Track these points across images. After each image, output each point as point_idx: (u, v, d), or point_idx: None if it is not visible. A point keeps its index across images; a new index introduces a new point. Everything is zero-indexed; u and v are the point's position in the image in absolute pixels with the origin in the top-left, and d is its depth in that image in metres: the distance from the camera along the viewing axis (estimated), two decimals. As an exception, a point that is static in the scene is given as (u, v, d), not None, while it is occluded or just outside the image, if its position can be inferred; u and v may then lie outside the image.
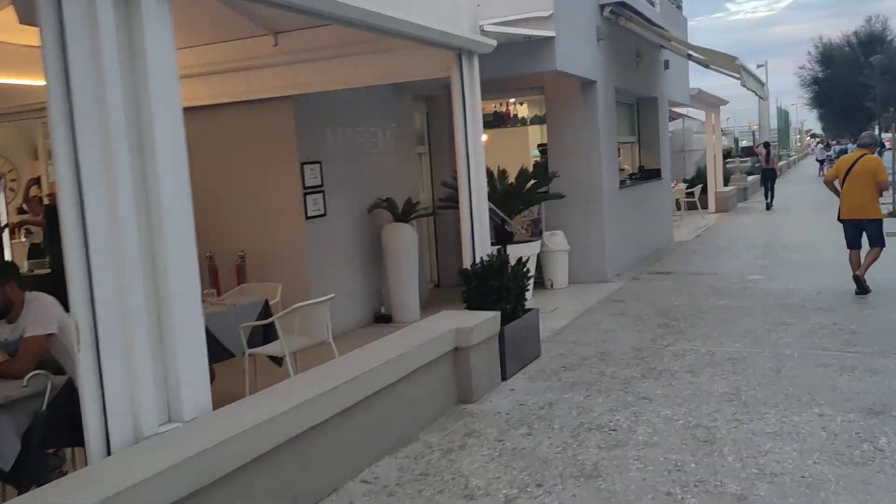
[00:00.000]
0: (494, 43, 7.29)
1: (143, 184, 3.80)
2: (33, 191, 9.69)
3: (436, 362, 5.55)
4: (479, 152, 7.26)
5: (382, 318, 9.27)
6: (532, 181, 10.16)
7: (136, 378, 3.66)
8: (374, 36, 7.10)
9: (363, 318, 9.18)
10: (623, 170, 13.98)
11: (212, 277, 8.34)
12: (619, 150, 14.61)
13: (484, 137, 16.12)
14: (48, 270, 9.08)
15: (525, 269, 6.87)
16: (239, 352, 5.90)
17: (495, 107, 11.80)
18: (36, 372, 3.95)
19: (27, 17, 3.57)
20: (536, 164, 11.62)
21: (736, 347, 6.98)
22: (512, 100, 12.33)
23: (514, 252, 9.51)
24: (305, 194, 8.22)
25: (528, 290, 6.93)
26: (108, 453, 3.58)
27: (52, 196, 9.24)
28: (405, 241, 9.11)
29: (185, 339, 3.91)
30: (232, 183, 8.57)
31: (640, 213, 13.16)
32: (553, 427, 5.21)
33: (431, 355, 5.47)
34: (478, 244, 7.16)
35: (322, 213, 8.46)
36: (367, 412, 4.74)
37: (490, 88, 11.16)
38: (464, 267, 6.81)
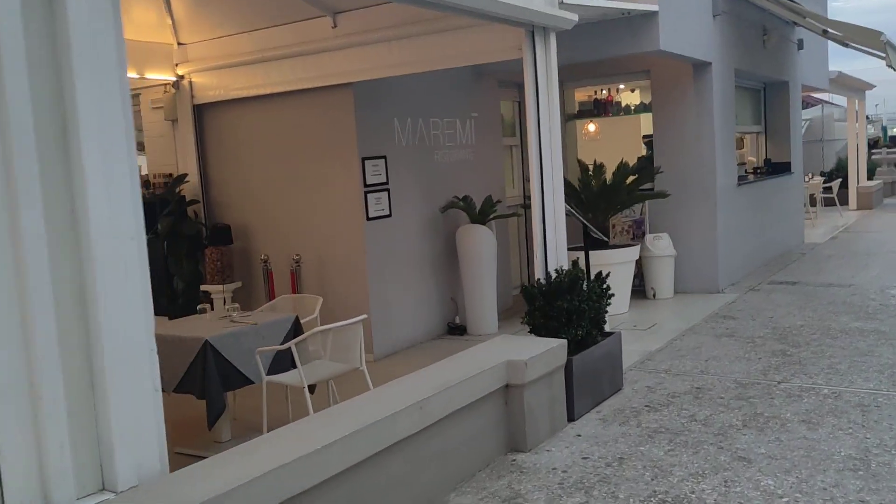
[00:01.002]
0: (575, 18, 6.19)
1: (65, 185, 2.99)
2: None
3: (478, 403, 4.57)
4: (555, 145, 6.20)
5: (456, 329, 8.34)
6: (632, 177, 8.96)
7: (44, 438, 2.88)
8: (438, 14, 6.21)
9: (435, 329, 8.28)
10: (744, 163, 12.48)
11: (266, 282, 7.65)
12: (742, 140, 13.11)
13: (591, 127, 14.85)
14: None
15: (604, 285, 5.76)
16: (259, 378, 5.11)
17: (595, 93, 10.61)
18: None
19: None
20: (641, 158, 10.37)
21: (868, 389, 5.62)
22: (621, 85, 11.11)
23: (607, 259, 8.39)
24: (367, 193, 7.38)
25: (606, 311, 5.81)
26: (3, 536, 2.83)
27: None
28: (481, 244, 8.14)
29: (124, 383, 3.11)
30: (287, 180, 7.84)
31: (762, 213, 11.64)
32: (617, 496, 4.13)
33: (472, 396, 4.49)
34: (551, 253, 6.11)
35: (386, 213, 7.60)
36: (378, 470, 3.82)
37: (588, 72, 10.03)
38: (531, 281, 5.76)
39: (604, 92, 10.64)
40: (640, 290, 9.63)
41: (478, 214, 8.19)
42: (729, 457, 4.55)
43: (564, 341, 5.21)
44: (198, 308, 5.56)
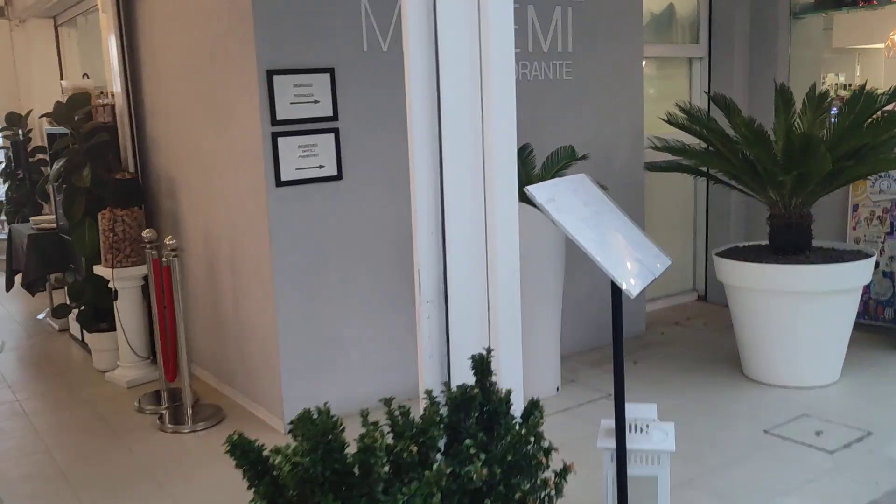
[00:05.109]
0: None
1: None
2: None
3: None
4: (501, 59, 2.35)
5: (490, 380, 4.74)
6: (875, 118, 4.48)
7: None
8: None
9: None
10: None
11: (157, 279, 4.66)
12: None
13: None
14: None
15: (528, 448, 1.97)
16: None
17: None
18: None
19: None
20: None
21: None
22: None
23: (783, 281, 4.27)
24: (277, 135, 4.01)
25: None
26: None
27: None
28: (526, 236, 4.38)
29: None
30: (188, 106, 4.76)
31: None
32: None
33: None
34: (462, 324, 2.38)
35: (329, 173, 4.17)
36: None
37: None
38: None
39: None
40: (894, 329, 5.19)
41: (530, 181, 4.41)
42: None
43: None
44: None
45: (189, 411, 4.42)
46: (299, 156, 4.08)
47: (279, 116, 3.99)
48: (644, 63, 5.48)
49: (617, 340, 2.75)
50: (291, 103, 4.03)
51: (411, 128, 2.30)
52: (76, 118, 5.23)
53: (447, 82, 2.30)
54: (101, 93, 6.14)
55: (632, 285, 2.47)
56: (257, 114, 3.95)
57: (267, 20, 3.90)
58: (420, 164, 2.31)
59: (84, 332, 5.55)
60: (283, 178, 4.04)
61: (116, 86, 5.39)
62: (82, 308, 5.33)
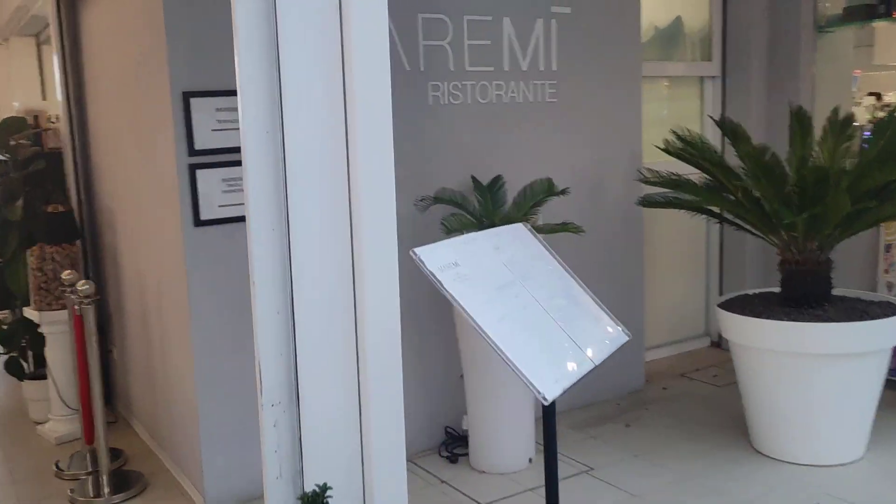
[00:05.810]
0: None
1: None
2: None
3: None
4: (370, 84, 1.77)
5: (457, 442, 4.14)
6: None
7: None
8: None
9: (424, 437, 4.13)
10: None
11: (72, 329, 4.13)
12: None
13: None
14: None
15: None
16: None
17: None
18: None
19: None
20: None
21: None
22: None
23: (803, 341, 3.60)
24: (195, 167, 3.47)
25: None
26: None
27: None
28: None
29: None
30: (111, 130, 4.27)
31: None
32: None
33: None
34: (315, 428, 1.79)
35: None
36: None
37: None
38: None
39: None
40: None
41: (482, 220, 3.80)
42: None
43: None
44: None
45: (105, 479, 3.88)
46: (223, 191, 3.54)
47: (198, 146, 3.46)
48: (652, 83, 4.85)
49: (550, 459, 2.12)
50: (214, 130, 3.49)
51: (246, 171, 1.73)
52: (12, 143, 4.75)
53: (292, 109, 1.73)
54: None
55: (547, 386, 1.84)
56: (171, 142, 3.41)
57: (184, 35, 3.37)
58: (256, 216, 1.74)
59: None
60: (203, 216, 3.50)
61: (61, 108, 4.93)
62: (12, 354, 4.84)
